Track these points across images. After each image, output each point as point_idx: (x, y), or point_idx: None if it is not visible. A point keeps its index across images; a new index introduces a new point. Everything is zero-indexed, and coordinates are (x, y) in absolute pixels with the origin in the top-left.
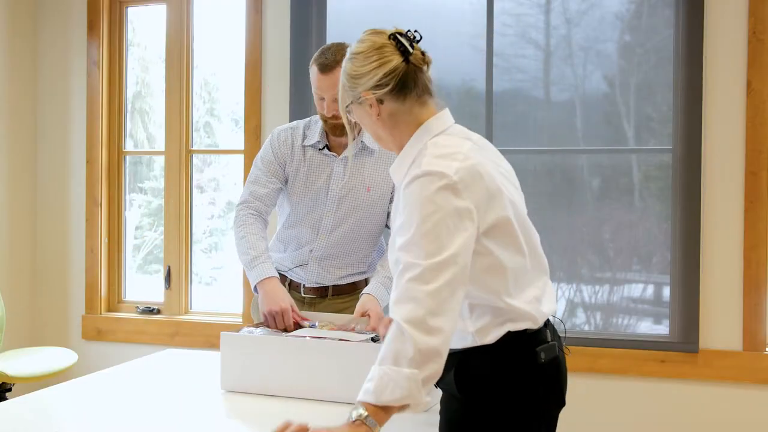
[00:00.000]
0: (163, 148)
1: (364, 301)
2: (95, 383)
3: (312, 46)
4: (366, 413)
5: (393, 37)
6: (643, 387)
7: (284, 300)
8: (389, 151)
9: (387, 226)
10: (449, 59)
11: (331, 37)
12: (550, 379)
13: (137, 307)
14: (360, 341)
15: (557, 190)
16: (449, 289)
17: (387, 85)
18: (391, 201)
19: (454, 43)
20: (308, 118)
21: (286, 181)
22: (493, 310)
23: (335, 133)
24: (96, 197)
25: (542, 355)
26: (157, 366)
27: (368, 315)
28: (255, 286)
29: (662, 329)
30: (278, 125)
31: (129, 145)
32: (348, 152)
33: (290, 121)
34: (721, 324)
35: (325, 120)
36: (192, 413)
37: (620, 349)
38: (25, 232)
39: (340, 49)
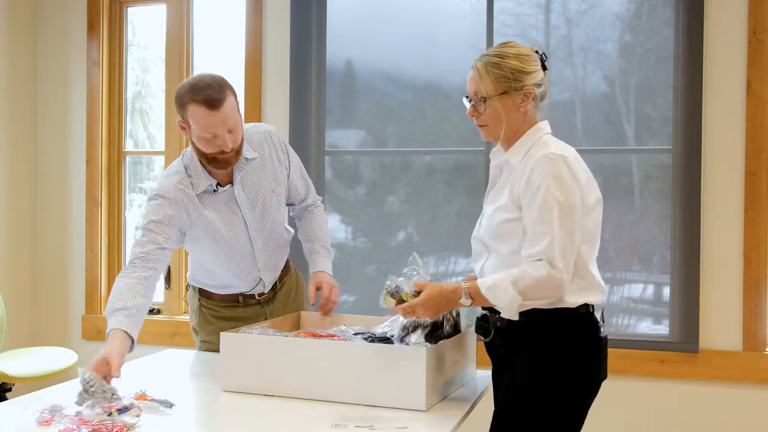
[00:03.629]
0: (163, 148)
1: (317, 277)
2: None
3: (312, 46)
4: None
5: (537, 52)
6: (643, 387)
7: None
8: (501, 141)
9: (287, 205)
10: (449, 59)
11: (331, 37)
12: (605, 352)
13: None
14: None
15: None
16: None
17: (541, 86)
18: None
19: (454, 43)
20: (179, 165)
21: (183, 237)
22: (579, 275)
23: (226, 166)
24: (96, 197)
25: (602, 330)
26: (157, 366)
27: (321, 288)
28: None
29: (662, 329)
30: (278, 125)
31: (129, 145)
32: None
33: (290, 121)
34: (721, 324)
35: (213, 157)
36: (192, 413)
37: (620, 349)
38: (25, 233)
39: (214, 80)
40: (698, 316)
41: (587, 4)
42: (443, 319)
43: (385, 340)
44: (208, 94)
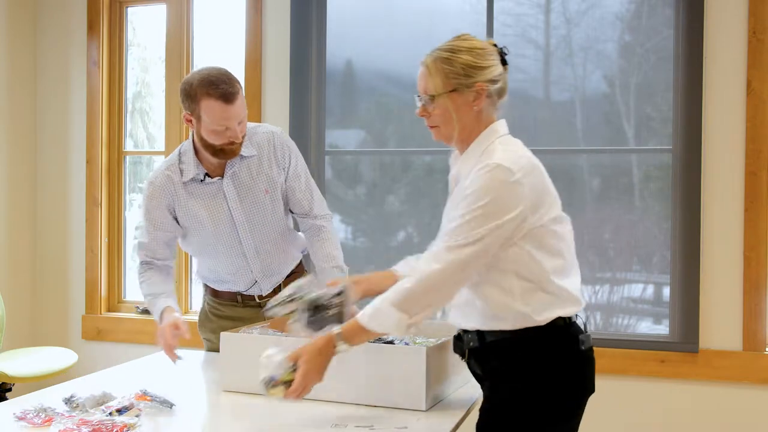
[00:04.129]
0: (163, 148)
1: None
2: (95, 383)
3: (312, 46)
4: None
5: (495, 45)
6: (643, 387)
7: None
8: (454, 143)
9: (291, 212)
10: None
11: (331, 37)
12: (589, 365)
13: (137, 307)
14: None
15: (557, 189)
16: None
17: (497, 82)
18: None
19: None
20: (176, 152)
21: (178, 222)
22: (544, 290)
23: (232, 156)
24: (96, 197)
25: (583, 343)
26: (157, 366)
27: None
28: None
29: (662, 329)
30: (278, 125)
31: (129, 145)
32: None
33: (290, 121)
34: (721, 324)
35: (221, 149)
36: (192, 413)
37: (620, 349)
38: (25, 233)
39: (226, 75)
40: (698, 316)
41: (587, 4)
42: (325, 304)
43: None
44: (223, 88)
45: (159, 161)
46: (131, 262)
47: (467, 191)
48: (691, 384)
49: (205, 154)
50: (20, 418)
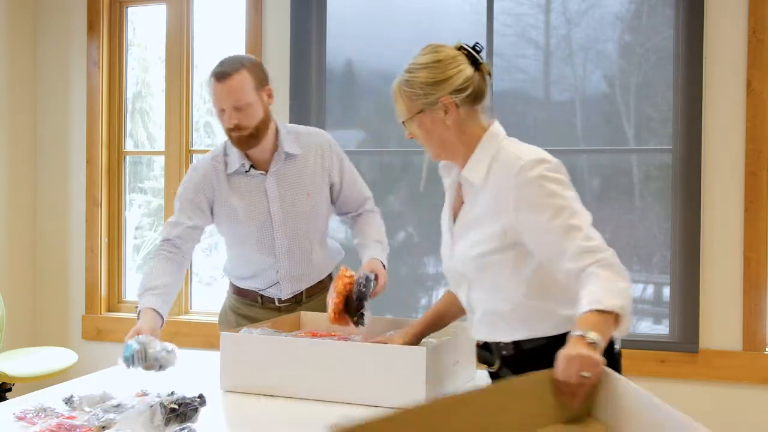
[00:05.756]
0: (163, 148)
1: (371, 263)
2: (95, 383)
3: (312, 46)
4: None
5: (462, 48)
6: (643, 387)
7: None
8: (449, 160)
9: (339, 214)
10: None
11: (331, 37)
12: (620, 365)
13: (137, 307)
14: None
15: None
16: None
17: (465, 90)
18: (323, 194)
19: (454, 43)
20: (224, 142)
21: (212, 214)
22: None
23: (242, 146)
24: (96, 197)
25: (616, 342)
26: None
27: (377, 273)
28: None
29: (662, 329)
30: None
31: (129, 145)
32: (273, 166)
33: (290, 121)
34: (721, 324)
35: (229, 135)
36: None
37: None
38: (25, 232)
39: (236, 59)
40: (698, 316)
41: (587, 4)
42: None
43: None
44: (221, 66)
45: (159, 161)
46: (131, 262)
47: (533, 203)
48: (691, 384)
49: None
50: (20, 418)
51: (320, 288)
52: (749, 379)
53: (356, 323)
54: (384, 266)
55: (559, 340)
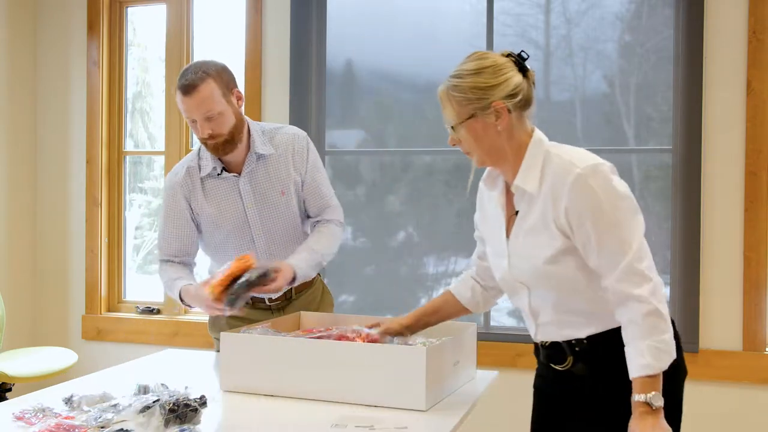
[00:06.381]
0: (163, 148)
1: (281, 263)
2: (95, 383)
3: (312, 46)
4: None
5: (509, 55)
6: None
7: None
8: (495, 166)
9: (308, 216)
10: (449, 59)
11: (331, 37)
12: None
13: (137, 307)
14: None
15: None
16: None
17: (516, 95)
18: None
19: (454, 43)
20: (197, 148)
21: (197, 218)
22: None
23: (219, 153)
24: (96, 197)
25: (675, 324)
26: (157, 366)
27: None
28: (181, 298)
29: None
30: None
31: (129, 145)
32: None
33: (289, 122)
34: (721, 324)
35: (205, 144)
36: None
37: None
38: (25, 232)
39: (199, 68)
40: (698, 316)
41: (587, 4)
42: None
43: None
44: (186, 79)
45: (159, 161)
46: (131, 262)
47: (584, 214)
48: (691, 384)
49: None
50: (18, 418)
51: (308, 283)
52: (749, 379)
53: (227, 304)
54: (294, 275)
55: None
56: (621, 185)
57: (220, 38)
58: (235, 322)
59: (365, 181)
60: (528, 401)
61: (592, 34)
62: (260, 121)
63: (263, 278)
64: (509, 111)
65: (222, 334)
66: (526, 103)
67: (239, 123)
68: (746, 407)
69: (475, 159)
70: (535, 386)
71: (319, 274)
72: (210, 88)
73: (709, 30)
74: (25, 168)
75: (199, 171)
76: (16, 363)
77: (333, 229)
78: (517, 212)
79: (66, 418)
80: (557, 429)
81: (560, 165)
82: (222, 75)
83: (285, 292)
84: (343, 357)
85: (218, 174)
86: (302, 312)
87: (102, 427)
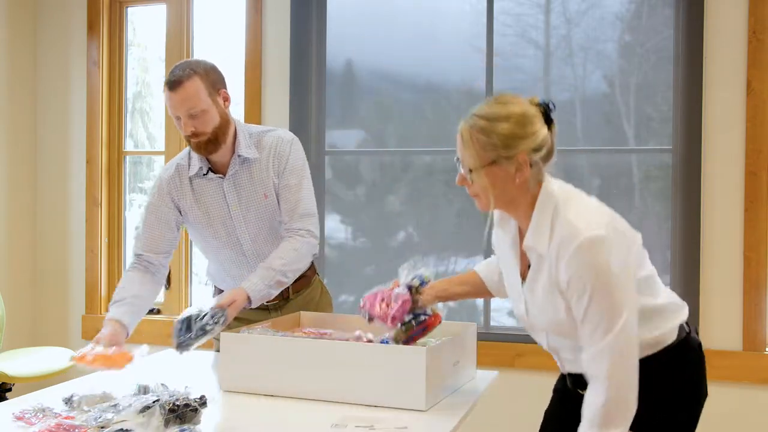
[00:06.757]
0: (163, 148)
1: (232, 294)
2: (95, 383)
3: (312, 46)
4: None
5: (538, 105)
6: None
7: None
8: (506, 212)
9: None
10: (449, 59)
11: (331, 37)
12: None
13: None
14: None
15: None
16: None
17: (541, 149)
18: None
19: (454, 43)
20: (188, 147)
21: (181, 221)
22: (660, 309)
23: (201, 152)
24: (96, 197)
25: (701, 347)
26: (157, 366)
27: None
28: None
29: None
30: (278, 125)
31: (129, 145)
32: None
33: (290, 121)
34: (721, 324)
35: (188, 141)
36: None
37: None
38: (25, 232)
39: (187, 65)
40: (698, 316)
41: (587, 4)
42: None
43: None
44: (173, 74)
45: (159, 161)
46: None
47: (580, 282)
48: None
49: None
50: (18, 418)
51: (305, 283)
52: (749, 379)
53: (178, 348)
54: (250, 299)
55: (646, 361)
56: (617, 259)
57: (220, 38)
58: (233, 323)
59: (365, 181)
60: (528, 401)
61: (592, 34)
62: (260, 121)
63: (207, 323)
64: (531, 165)
65: (222, 334)
66: (547, 157)
67: (224, 123)
68: (746, 407)
69: (482, 203)
70: (556, 388)
71: (317, 273)
72: (195, 86)
73: (709, 30)
74: (25, 168)
75: (188, 170)
76: (16, 363)
77: (295, 243)
78: (529, 265)
79: (66, 418)
80: (571, 424)
81: (565, 229)
82: (209, 74)
83: (282, 292)
84: (343, 357)
85: (204, 174)
86: (302, 312)
87: (102, 427)
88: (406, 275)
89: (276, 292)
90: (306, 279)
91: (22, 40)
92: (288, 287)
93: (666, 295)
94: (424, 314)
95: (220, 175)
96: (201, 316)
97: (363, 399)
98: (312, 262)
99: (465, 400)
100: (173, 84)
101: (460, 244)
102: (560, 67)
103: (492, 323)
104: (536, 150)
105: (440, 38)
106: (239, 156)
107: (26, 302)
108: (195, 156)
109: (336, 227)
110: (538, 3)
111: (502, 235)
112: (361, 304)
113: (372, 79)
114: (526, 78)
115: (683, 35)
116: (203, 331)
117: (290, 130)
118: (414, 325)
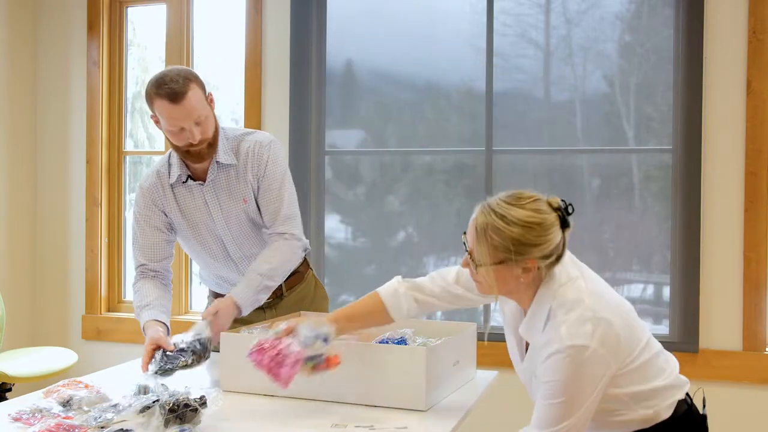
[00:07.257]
0: (163, 148)
1: (217, 305)
2: (95, 383)
3: (312, 46)
4: None
5: (558, 209)
6: None
7: (154, 337)
8: (509, 299)
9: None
10: (449, 59)
11: (331, 37)
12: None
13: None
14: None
15: (557, 190)
16: None
17: (551, 256)
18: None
19: (454, 43)
20: (167, 153)
21: (171, 222)
22: (655, 390)
23: (203, 158)
24: (96, 197)
25: (705, 420)
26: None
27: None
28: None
29: (662, 329)
30: (278, 125)
31: (129, 145)
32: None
33: (290, 121)
34: (721, 324)
35: (187, 150)
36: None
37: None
38: (25, 232)
39: (180, 75)
40: (698, 316)
41: (587, 4)
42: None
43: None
44: (170, 87)
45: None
46: (131, 261)
47: (545, 378)
48: (690, 384)
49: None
50: (16, 419)
51: (298, 279)
52: (749, 379)
53: (159, 372)
54: (239, 307)
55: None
56: (590, 375)
57: (220, 38)
58: (232, 325)
59: (365, 181)
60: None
61: (592, 34)
62: (260, 120)
63: (200, 354)
64: (538, 269)
65: (222, 334)
66: (555, 262)
67: (217, 126)
68: (746, 407)
69: (483, 288)
70: None
71: (310, 268)
72: (196, 95)
73: (709, 30)
74: (25, 168)
75: (168, 177)
76: (16, 363)
77: (281, 247)
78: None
79: (66, 418)
80: None
81: (554, 331)
82: (198, 79)
83: (275, 290)
84: (343, 357)
85: (184, 182)
86: (302, 312)
87: (102, 427)
88: (305, 335)
89: (265, 297)
90: (299, 275)
91: (22, 40)
92: (281, 285)
93: (666, 375)
94: (320, 357)
95: (200, 182)
96: (181, 342)
97: (363, 399)
98: (305, 258)
99: (465, 400)
100: (175, 96)
101: (460, 244)
102: (560, 67)
103: (492, 323)
104: (545, 257)
105: (440, 38)
106: (217, 162)
107: (26, 302)
108: (174, 163)
109: (336, 227)
110: (538, 3)
111: (506, 309)
112: (247, 354)
113: (372, 79)
114: (526, 78)
115: (683, 35)
116: (183, 352)
117: (290, 130)
118: (310, 369)
